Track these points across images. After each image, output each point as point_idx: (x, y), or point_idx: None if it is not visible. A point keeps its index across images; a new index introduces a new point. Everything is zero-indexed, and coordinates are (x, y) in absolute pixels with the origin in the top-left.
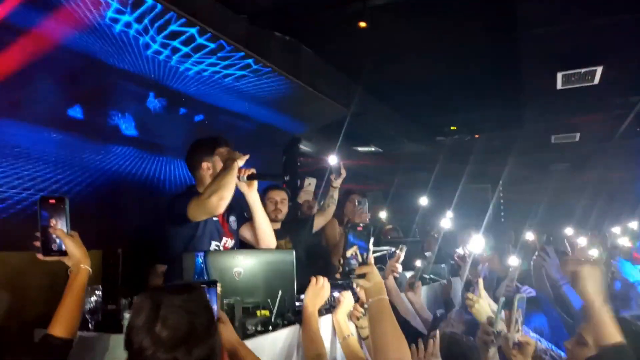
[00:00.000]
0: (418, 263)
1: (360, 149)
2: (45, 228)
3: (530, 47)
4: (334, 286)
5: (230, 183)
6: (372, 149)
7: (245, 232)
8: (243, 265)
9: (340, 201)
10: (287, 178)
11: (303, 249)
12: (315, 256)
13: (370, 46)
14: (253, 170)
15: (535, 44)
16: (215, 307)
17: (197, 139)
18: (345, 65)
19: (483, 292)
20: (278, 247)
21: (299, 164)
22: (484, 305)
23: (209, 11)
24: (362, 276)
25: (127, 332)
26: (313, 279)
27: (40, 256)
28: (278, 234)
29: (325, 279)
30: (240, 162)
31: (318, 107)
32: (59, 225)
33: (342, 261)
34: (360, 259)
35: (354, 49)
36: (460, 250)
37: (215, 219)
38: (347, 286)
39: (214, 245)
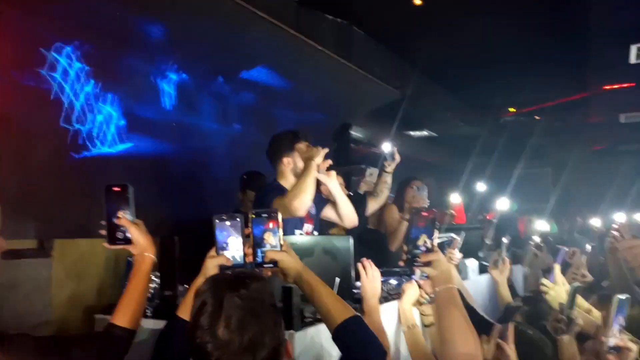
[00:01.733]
0: (505, 239)
1: (413, 133)
2: (111, 217)
3: (602, 16)
4: (391, 273)
5: (310, 186)
6: (426, 133)
7: (329, 213)
8: (299, 252)
9: (401, 187)
10: (363, 167)
11: (357, 234)
12: (370, 242)
13: (424, 24)
14: (330, 162)
15: (607, 12)
16: (277, 237)
17: (277, 133)
18: (398, 45)
19: (560, 279)
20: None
21: (350, 150)
22: (561, 292)
23: None
24: (428, 264)
25: (191, 331)
26: (362, 271)
27: (106, 245)
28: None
29: (373, 266)
30: (319, 159)
31: (370, 90)
32: (125, 214)
33: (406, 248)
34: (429, 246)
35: (407, 28)
36: (536, 238)
37: None
38: (404, 273)
39: (297, 233)
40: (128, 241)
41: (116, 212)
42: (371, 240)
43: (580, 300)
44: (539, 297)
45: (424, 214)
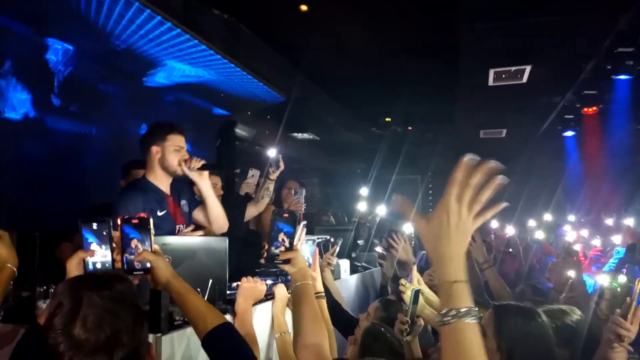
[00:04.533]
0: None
1: (297, 135)
2: None
3: (468, 41)
4: (267, 274)
5: None
6: (309, 136)
7: (198, 215)
8: (171, 252)
9: (277, 187)
10: (237, 171)
11: (236, 235)
12: (250, 243)
13: (310, 32)
14: (203, 162)
15: (473, 39)
16: (147, 244)
17: (153, 123)
18: (286, 49)
19: (416, 279)
20: (206, 234)
21: (234, 148)
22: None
23: None
24: (287, 261)
25: (44, 331)
26: (243, 279)
27: None
28: None
29: (256, 279)
30: (197, 165)
31: (256, 90)
32: None
33: (266, 246)
34: (287, 245)
35: (294, 33)
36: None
37: (161, 212)
38: (280, 274)
39: None
40: None
41: None
42: (251, 242)
43: (435, 299)
44: (394, 302)
45: (285, 215)
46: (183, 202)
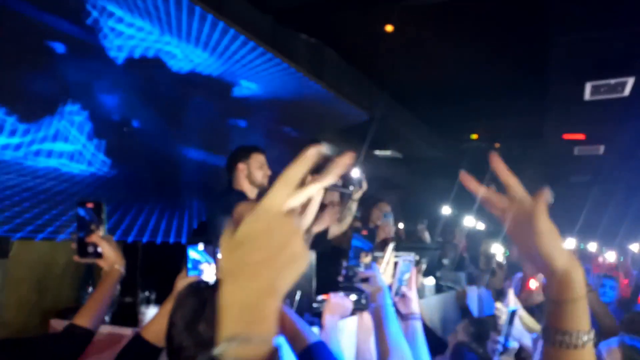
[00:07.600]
0: None
1: (379, 153)
2: (83, 232)
3: (560, 54)
4: (352, 289)
5: None
6: (390, 153)
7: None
8: None
9: (367, 206)
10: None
11: (319, 252)
12: (333, 259)
13: (394, 50)
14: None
15: (566, 51)
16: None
17: (238, 146)
18: (369, 68)
19: (513, 302)
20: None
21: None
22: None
23: (236, 9)
24: (366, 280)
25: (169, 329)
26: (331, 295)
27: (76, 258)
28: None
29: (343, 295)
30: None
31: (340, 109)
32: (97, 230)
33: (344, 264)
34: (366, 263)
35: (378, 52)
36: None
37: None
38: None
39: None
40: (98, 255)
41: (89, 227)
42: (334, 258)
43: (530, 321)
44: (487, 319)
45: (364, 232)
46: None
